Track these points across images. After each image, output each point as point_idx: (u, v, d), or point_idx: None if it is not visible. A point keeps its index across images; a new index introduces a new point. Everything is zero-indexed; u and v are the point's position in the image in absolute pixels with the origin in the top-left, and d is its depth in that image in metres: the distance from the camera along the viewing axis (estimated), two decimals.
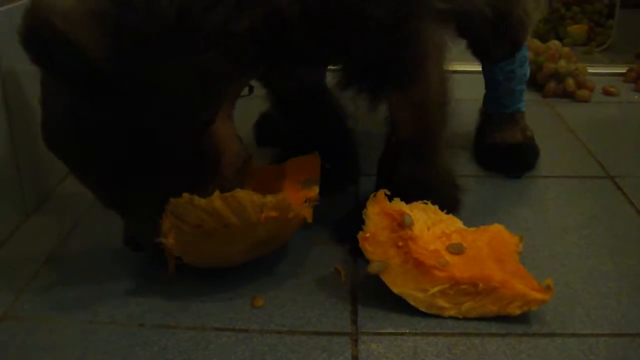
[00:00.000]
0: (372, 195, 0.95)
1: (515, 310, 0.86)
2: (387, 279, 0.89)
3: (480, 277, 0.87)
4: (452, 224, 1.00)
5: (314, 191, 1.00)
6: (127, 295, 0.95)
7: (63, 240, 1.10)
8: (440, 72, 1.05)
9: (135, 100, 0.82)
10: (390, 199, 0.97)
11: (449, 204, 1.05)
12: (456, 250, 0.92)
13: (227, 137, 0.95)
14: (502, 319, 0.88)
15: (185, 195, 0.87)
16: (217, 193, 0.86)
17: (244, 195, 0.87)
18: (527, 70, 1.38)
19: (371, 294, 0.92)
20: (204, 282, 0.97)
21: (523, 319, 0.88)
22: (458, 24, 1.05)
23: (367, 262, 0.91)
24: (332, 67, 1.07)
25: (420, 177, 1.06)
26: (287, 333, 0.87)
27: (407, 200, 0.99)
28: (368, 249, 0.91)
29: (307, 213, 0.95)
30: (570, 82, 1.76)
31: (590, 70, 1.88)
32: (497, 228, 0.98)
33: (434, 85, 1.04)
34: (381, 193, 0.94)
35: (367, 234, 0.91)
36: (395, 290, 0.89)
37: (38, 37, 0.76)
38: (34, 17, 0.76)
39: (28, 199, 1.16)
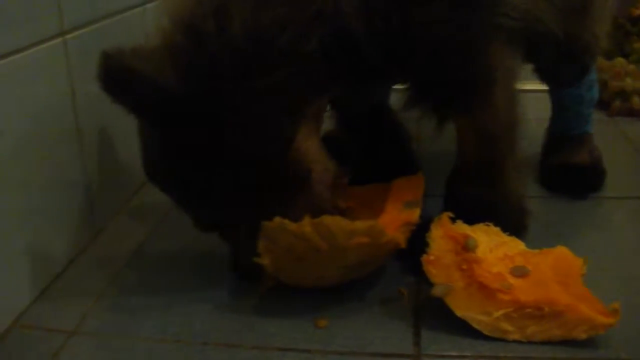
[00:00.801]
0: (436, 218, 0.95)
1: (581, 334, 0.85)
2: (450, 302, 0.89)
3: (545, 300, 0.86)
4: (514, 246, 0.99)
5: (415, 214, 0.99)
6: (193, 314, 0.96)
7: (130, 258, 1.13)
8: (509, 96, 1.04)
9: (213, 123, 0.86)
10: (455, 220, 0.97)
11: (515, 228, 1.03)
12: (520, 273, 0.91)
13: (313, 153, 0.97)
14: (567, 343, 0.86)
15: (277, 219, 0.89)
16: (307, 219, 0.88)
17: (332, 222, 0.88)
18: (596, 94, 1.37)
19: (434, 316, 0.92)
20: (268, 301, 0.98)
21: (589, 343, 0.86)
22: (527, 47, 1.04)
23: (431, 284, 0.91)
24: (398, 87, 1.08)
25: (486, 199, 1.06)
26: (349, 354, 0.87)
27: (473, 222, 0.99)
28: (432, 271, 0.91)
29: (401, 239, 0.94)
30: (636, 100, 1.73)
31: None
32: (561, 250, 0.97)
33: (502, 111, 1.03)
34: (445, 216, 0.94)
35: (431, 257, 0.91)
36: (459, 313, 0.89)
37: (112, 76, 0.83)
38: (107, 59, 0.83)
39: (97, 216, 1.20)
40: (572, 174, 1.33)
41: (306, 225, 0.88)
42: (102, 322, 0.96)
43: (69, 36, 1.08)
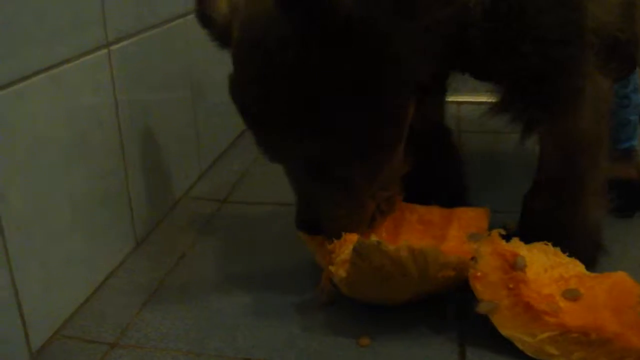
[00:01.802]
0: (486, 234, 0.93)
1: None
2: (496, 320, 0.88)
3: (592, 326, 0.84)
4: (572, 267, 0.97)
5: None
6: (235, 329, 0.96)
7: (171, 269, 1.13)
8: (595, 109, 1.03)
9: (371, 47, 0.86)
10: (524, 238, 0.96)
11: (584, 259, 1.00)
12: (572, 296, 0.89)
13: (403, 137, 0.99)
14: None
15: (374, 237, 0.90)
16: (405, 243, 0.88)
17: (431, 252, 0.89)
18: None
19: (480, 335, 0.90)
20: (311, 318, 0.97)
21: None
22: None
23: (477, 301, 0.89)
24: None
25: (558, 219, 1.04)
26: None
27: (539, 239, 0.98)
28: (478, 288, 0.89)
29: (473, 270, 0.92)
30: None
31: None
32: (620, 276, 0.94)
33: (588, 123, 1.02)
34: (495, 233, 0.93)
35: (479, 273, 0.89)
36: (504, 332, 0.87)
37: None
38: None
39: (138, 227, 1.20)
40: (619, 190, 1.30)
41: (403, 249, 0.88)
42: (144, 334, 0.95)
43: (113, 47, 1.09)
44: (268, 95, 0.90)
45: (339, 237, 0.96)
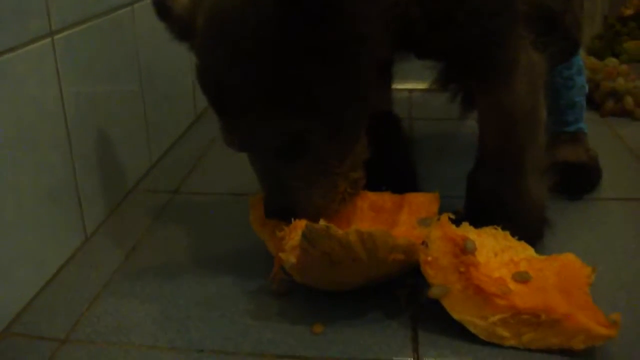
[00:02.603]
0: (435, 219, 0.93)
1: (578, 344, 0.84)
2: (447, 304, 0.88)
3: (542, 307, 0.85)
4: (522, 251, 0.98)
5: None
6: (187, 320, 0.95)
7: (122, 262, 1.11)
8: (529, 81, 1.07)
9: (347, 21, 0.88)
10: (470, 217, 0.97)
11: (529, 234, 1.03)
12: (521, 278, 0.90)
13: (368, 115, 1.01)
14: (565, 352, 0.85)
15: (323, 222, 0.89)
16: (354, 227, 0.88)
17: (380, 236, 0.88)
18: (585, 83, 1.39)
19: (432, 319, 0.91)
20: (263, 307, 0.97)
21: (587, 352, 0.85)
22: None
23: (429, 285, 0.90)
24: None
25: (501, 195, 1.06)
26: None
27: (486, 218, 0.99)
28: (429, 272, 0.89)
29: (424, 255, 0.92)
30: (629, 100, 1.72)
31: None
32: (568, 258, 0.95)
33: (522, 93, 1.06)
34: (445, 217, 0.93)
35: (429, 258, 0.90)
36: (456, 316, 0.88)
37: None
38: None
39: (88, 221, 1.18)
40: (570, 173, 1.33)
41: (352, 234, 0.87)
42: (94, 329, 0.94)
43: (57, 36, 1.06)
44: (249, 75, 0.89)
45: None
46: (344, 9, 0.86)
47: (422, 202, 1.05)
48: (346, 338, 0.90)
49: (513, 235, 0.99)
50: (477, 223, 0.99)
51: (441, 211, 0.98)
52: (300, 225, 0.93)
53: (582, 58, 1.73)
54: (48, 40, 1.04)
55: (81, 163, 1.14)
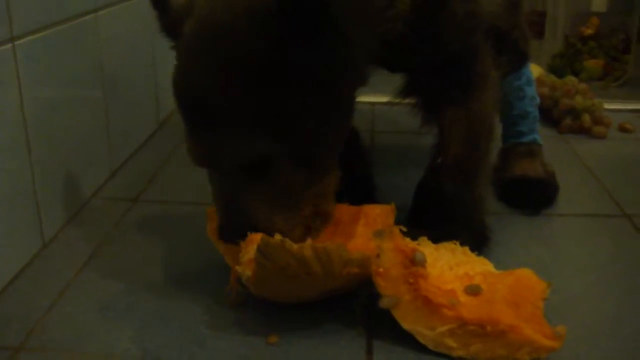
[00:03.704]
0: (387, 231, 0.95)
1: (524, 356, 0.86)
2: (397, 315, 0.90)
3: (487, 319, 0.87)
4: (479, 265, 1.00)
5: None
6: (143, 329, 0.95)
7: (80, 270, 1.11)
8: (493, 96, 1.13)
9: (335, 44, 0.88)
10: (423, 225, 1.01)
11: (478, 239, 1.09)
12: (473, 291, 0.92)
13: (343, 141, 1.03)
14: None
15: (278, 236, 0.90)
16: (309, 242, 0.90)
17: (335, 250, 0.89)
18: (536, 95, 1.44)
19: (386, 331, 0.92)
20: (220, 318, 0.97)
21: None
22: None
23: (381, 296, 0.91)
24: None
25: (458, 200, 1.09)
26: None
27: (440, 221, 1.04)
28: (381, 283, 0.91)
29: (376, 266, 0.93)
30: (586, 118, 1.76)
31: (607, 106, 1.88)
32: (524, 272, 0.97)
33: (489, 105, 1.12)
34: (396, 229, 0.94)
35: (381, 269, 0.91)
36: (406, 326, 0.90)
37: None
38: None
39: (46, 228, 1.17)
40: (527, 188, 1.35)
41: (307, 248, 0.88)
42: (49, 337, 0.93)
43: (18, 42, 1.06)
44: (227, 88, 0.88)
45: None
46: (338, 32, 0.87)
47: (378, 214, 1.06)
48: (301, 348, 0.91)
49: (463, 242, 1.01)
50: (429, 229, 1.02)
51: (398, 223, 0.99)
52: (256, 238, 0.93)
53: (542, 75, 1.77)
54: (9, 45, 1.03)
55: (40, 169, 1.14)
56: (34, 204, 1.13)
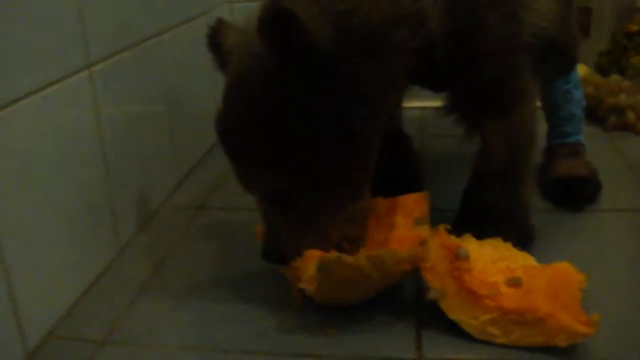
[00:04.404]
0: (433, 229, 1.03)
1: (561, 342, 0.92)
2: (444, 306, 0.98)
3: (527, 308, 0.93)
4: (521, 259, 1.07)
5: (426, 231, 1.07)
6: (213, 324, 1.05)
7: (153, 273, 1.21)
8: (532, 107, 1.18)
9: (341, 83, 0.95)
10: (470, 228, 1.07)
11: (524, 238, 1.15)
12: (514, 283, 0.99)
13: (370, 172, 1.08)
14: (549, 350, 0.94)
15: (334, 253, 0.98)
16: (362, 252, 0.98)
17: (387, 254, 0.98)
18: (582, 97, 1.47)
19: (434, 322, 1.00)
20: (280, 314, 1.06)
21: (576, 347, 0.93)
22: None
23: (428, 289, 0.99)
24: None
25: (503, 207, 1.16)
26: (357, 358, 0.95)
27: (486, 228, 1.10)
28: (428, 277, 0.99)
29: (425, 256, 1.01)
30: (630, 115, 1.79)
31: None
32: (563, 265, 1.03)
33: (528, 118, 1.17)
34: (441, 227, 1.03)
35: (428, 264, 0.99)
36: (451, 316, 0.97)
37: (280, 23, 0.89)
38: (278, 7, 0.89)
39: (122, 235, 1.29)
40: (571, 186, 1.41)
41: (362, 258, 0.97)
42: (130, 333, 1.04)
43: (95, 68, 1.17)
44: (246, 128, 0.99)
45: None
46: (342, 76, 0.95)
47: (413, 202, 1.14)
48: (356, 338, 0.99)
49: (509, 240, 1.08)
50: (475, 232, 1.08)
51: (444, 222, 1.07)
52: (311, 255, 1.01)
53: (587, 75, 1.81)
54: (86, 72, 1.15)
55: (115, 180, 1.25)
56: (111, 213, 1.24)
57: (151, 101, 1.44)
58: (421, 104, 1.91)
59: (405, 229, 1.10)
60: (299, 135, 0.97)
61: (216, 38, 1.09)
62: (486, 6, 1.04)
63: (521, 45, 1.10)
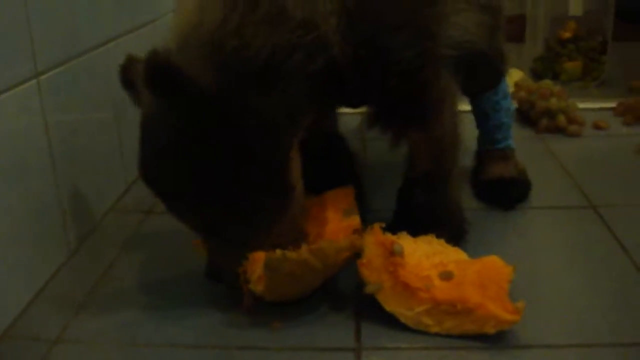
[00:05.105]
0: (369, 227, 1.09)
1: (490, 329, 0.99)
2: (381, 299, 1.04)
3: (458, 299, 1.00)
4: (454, 254, 1.14)
5: (356, 220, 1.14)
6: (162, 320, 1.09)
7: (103, 274, 1.25)
8: (453, 113, 1.23)
9: (235, 122, 0.98)
10: (406, 227, 1.14)
11: (456, 234, 1.22)
12: (446, 276, 1.06)
13: (297, 174, 1.11)
14: (480, 337, 1.00)
15: (278, 251, 1.03)
16: (305, 247, 1.03)
17: (327, 245, 1.04)
18: (511, 105, 1.54)
19: (373, 314, 1.06)
20: (229, 311, 1.10)
21: (505, 333, 1.00)
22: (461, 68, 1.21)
23: (365, 284, 1.05)
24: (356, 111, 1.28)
25: (432, 207, 1.23)
26: (301, 349, 1.01)
27: (419, 227, 1.15)
28: (365, 272, 1.05)
29: (360, 243, 1.07)
30: (561, 118, 1.89)
31: (583, 105, 2.01)
32: (491, 259, 1.10)
33: (449, 125, 1.22)
34: (376, 225, 1.09)
35: (365, 260, 1.05)
36: (388, 308, 1.03)
37: (161, 72, 0.92)
38: (156, 57, 0.92)
39: (71, 239, 1.31)
40: (502, 187, 1.49)
41: (305, 252, 1.03)
42: (82, 330, 1.08)
43: (42, 77, 1.20)
44: (160, 172, 1.04)
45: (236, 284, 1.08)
46: (236, 111, 0.98)
47: (340, 196, 1.21)
48: (300, 331, 1.05)
49: (442, 237, 1.15)
50: (410, 231, 1.14)
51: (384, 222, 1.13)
52: (257, 257, 1.06)
53: (520, 79, 1.89)
54: (34, 81, 1.18)
55: (65, 187, 1.28)
56: (61, 217, 1.27)
57: (98, 108, 1.47)
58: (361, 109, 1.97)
59: (336, 221, 1.17)
60: (211, 171, 1.00)
61: (128, 75, 1.10)
62: (389, 31, 1.06)
63: (433, 60, 1.13)
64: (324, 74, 1.03)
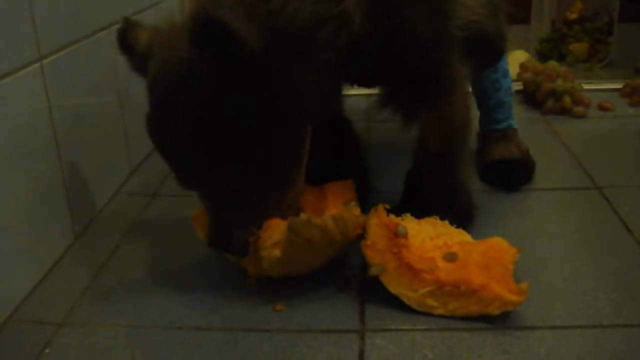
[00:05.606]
0: (373, 209, 1.09)
1: (494, 310, 0.99)
2: (384, 281, 1.04)
3: (461, 280, 1.01)
4: (458, 236, 1.14)
5: (357, 211, 1.13)
6: (167, 303, 1.10)
7: (108, 258, 1.25)
8: (464, 94, 1.24)
9: (276, 85, 0.99)
10: (414, 209, 1.14)
11: (464, 218, 1.22)
12: (450, 258, 1.06)
13: (305, 158, 1.13)
14: (484, 318, 1.01)
15: (303, 215, 1.04)
16: (329, 214, 1.05)
17: (349, 217, 1.05)
18: (511, 84, 1.54)
19: (377, 296, 1.06)
20: (233, 292, 1.11)
21: (509, 314, 1.01)
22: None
23: (369, 265, 1.05)
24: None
25: (441, 190, 1.23)
26: (304, 331, 1.01)
27: (428, 210, 1.15)
28: (369, 254, 1.05)
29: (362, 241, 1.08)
30: (567, 99, 1.88)
31: (589, 87, 2.01)
32: (496, 240, 1.10)
33: (460, 105, 1.23)
34: (381, 207, 1.09)
35: (369, 242, 1.06)
36: (392, 290, 1.04)
37: (211, 30, 0.92)
38: (207, 14, 0.92)
39: (77, 223, 1.32)
40: (506, 168, 1.48)
41: (329, 220, 1.04)
42: (88, 313, 1.09)
43: (46, 61, 1.20)
44: (186, 132, 1.01)
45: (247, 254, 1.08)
46: (277, 71, 0.98)
47: (340, 189, 1.22)
48: (303, 312, 1.05)
49: (450, 221, 1.15)
50: (418, 214, 1.14)
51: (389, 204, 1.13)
52: (272, 224, 1.06)
53: (526, 61, 1.88)
54: (37, 64, 1.18)
55: (69, 171, 1.29)
56: (66, 201, 1.28)
57: (102, 92, 1.47)
58: (367, 91, 1.97)
59: (335, 211, 1.16)
60: (236, 134, 1.00)
61: (128, 40, 1.09)
62: (408, 4, 1.08)
63: (448, 39, 1.15)
64: (345, 50, 1.04)
